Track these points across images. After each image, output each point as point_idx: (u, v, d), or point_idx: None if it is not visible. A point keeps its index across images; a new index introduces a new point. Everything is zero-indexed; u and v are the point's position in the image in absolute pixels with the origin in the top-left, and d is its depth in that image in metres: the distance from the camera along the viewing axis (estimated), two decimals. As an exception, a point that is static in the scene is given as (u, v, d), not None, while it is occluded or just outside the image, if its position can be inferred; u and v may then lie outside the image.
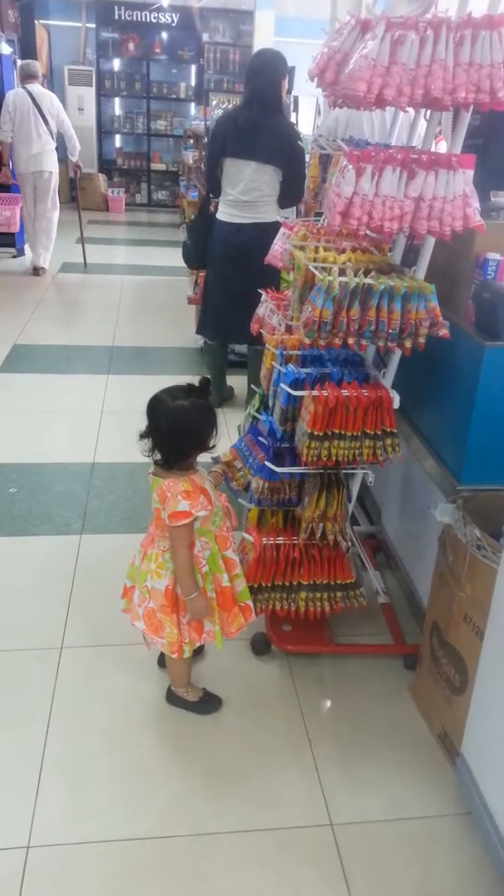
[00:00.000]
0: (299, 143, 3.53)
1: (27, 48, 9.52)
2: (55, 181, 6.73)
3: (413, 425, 2.25)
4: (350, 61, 1.65)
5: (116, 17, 10.31)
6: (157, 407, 1.77)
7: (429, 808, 1.81)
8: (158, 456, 1.80)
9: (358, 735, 2.01)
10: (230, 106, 4.79)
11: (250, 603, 1.98)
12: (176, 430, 1.75)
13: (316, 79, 1.85)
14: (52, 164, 6.57)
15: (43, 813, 1.73)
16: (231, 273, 3.69)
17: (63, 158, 6.94)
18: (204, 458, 1.85)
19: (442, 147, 2.46)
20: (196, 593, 1.81)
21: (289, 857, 1.66)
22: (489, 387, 1.85)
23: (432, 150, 2.01)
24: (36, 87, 6.39)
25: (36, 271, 6.78)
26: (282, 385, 1.93)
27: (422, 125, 2.27)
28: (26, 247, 7.50)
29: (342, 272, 1.80)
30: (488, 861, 1.63)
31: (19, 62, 6.90)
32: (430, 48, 1.55)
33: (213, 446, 1.82)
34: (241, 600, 1.95)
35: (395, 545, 2.64)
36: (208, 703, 2.04)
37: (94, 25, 10.42)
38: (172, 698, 2.04)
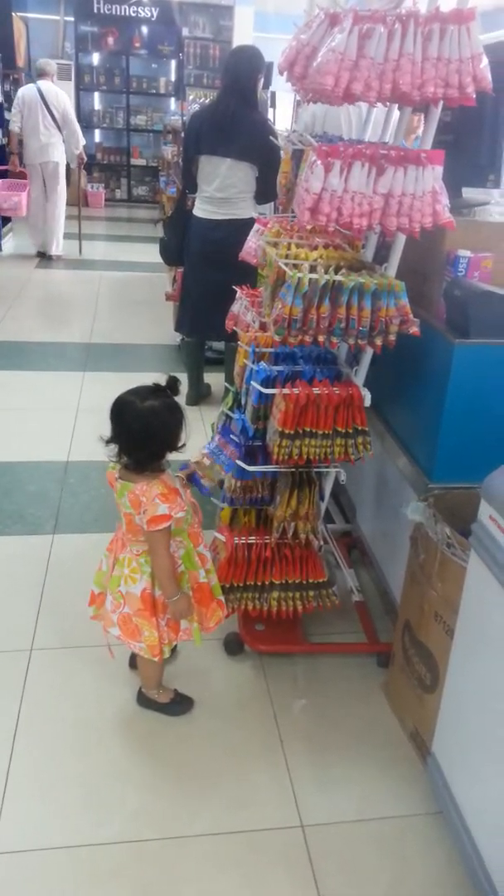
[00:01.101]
0: (273, 138, 3.50)
1: (4, 41, 9.39)
2: (62, 171, 7.14)
3: (386, 423, 2.24)
4: (318, 55, 1.63)
5: (95, 10, 10.20)
6: (126, 409, 1.71)
7: (401, 807, 1.80)
8: (126, 460, 1.75)
9: (330, 734, 2.00)
10: (207, 101, 4.75)
11: (223, 599, 1.97)
12: (149, 432, 1.71)
13: (285, 73, 1.83)
14: (58, 155, 7.00)
15: (10, 818, 1.70)
16: (208, 269, 3.66)
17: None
18: (176, 457, 1.83)
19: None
20: (179, 595, 1.80)
21: (259, 859, 1.65)
22: (460, 384, 1.84)
23: (404, 145, 2.00)
24: (45, 84, 6.84)
25: (43, 256, 7.27)
26: (252, 383, 1.91)
27: (394, 120, 2.25)
28: (3, 242, 7.43)
29: (313, 269, 1.78)
30: (459, 859, 1.63)
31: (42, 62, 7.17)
32: (398, 42, 1.54)
33: (184, 445, 1.79)
34: (216, 594, 1.95)
35: (370, 543, 2.63)
36: (179, 704, 2.02)
37: (72, 19, 10.31)
38: (143, 700, 2.02)
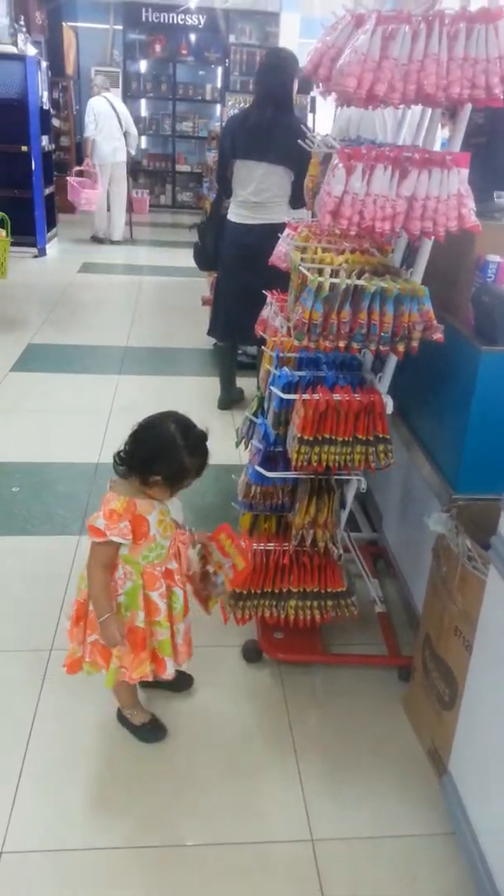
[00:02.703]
0: (303, 142, 3.49)
1: (54, 50, 9.59)
2: (125, 169, 8.36)
3: (413, 431, 2.20)
4: (342, 57, 1.60)
5: (144, 18, 10.33)
6: (155, 422, 1.71)
7: (415, 826, 1.75)
8: (122, 466, 1.72)
9: (346, 748, 1.96)
10: (245, 106, 4.75)
11: (168, 661, 1.81)
12: (153, 448, 1.67)
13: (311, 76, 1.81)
14: (124, 155, 8.25)
15: (20, 817, 1.70)
16: (241, 274, 3.66)
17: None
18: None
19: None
20: (107, 615, 1.68)
21: (265, 871, 1.62)
22: (486, 392, 1.79)
23: (437, 146, 1.96)
24: (110, 95, 8.11)
25: (101, 241, 8.44)
26: (273, 388, 1.89)
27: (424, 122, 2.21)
28: (48, 247, 7.58)
29: (335, 273, 1.76)
30: (472, 882, 1.57)
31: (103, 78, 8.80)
32: (422, 42, 1.50)
33: (183, 486, 1.73)
34: (161, 652, 1.81)
35: (395, 553, 2.58)
36: (150, 732, 1.93)
37: (121, 27, 10.46)
38: (120, 717, 1.97)
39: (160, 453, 1.67)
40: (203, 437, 1.73)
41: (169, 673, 1.83)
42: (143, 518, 1.70)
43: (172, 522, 1.81)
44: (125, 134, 8.09)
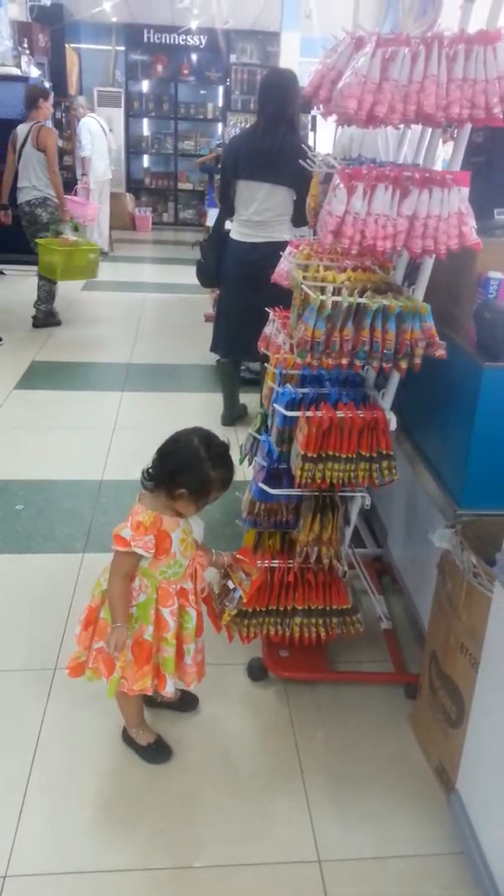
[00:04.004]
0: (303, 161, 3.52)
1: (57, 71, 9.70)
2: (109, 186, 8.81)
3: (417, 447, 2.20)
4: (343, 79, 1.62)
5: (145, 39, 10.49)
6: (182, 437, 1.76)
7: (422, 846, 1.74)
8: (150, 482, 1.76)
9: (353, 767, 1.95)
10: (246, 125, 4.80)
11: (169, 677, 1.82)
12: (180, 456, 1.72)
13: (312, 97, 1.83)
14: (111, 173, 8.64)
15: (23, 841, 1.69)
16: (244, 291, 3.67)
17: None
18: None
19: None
20: (120, 624, 1.71)
21: (272, 893, 1.60)
22: (489, 408, 1.79)
23: (438, 165, 1.98)
24: (96, 115, 8.35)
25: (105, 255, 8.11)
26: (276, 405, 1.90)
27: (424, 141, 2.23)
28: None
29: (337, 291, 1.77)
30: (481, 905, 1.56)
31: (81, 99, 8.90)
32: (422, 64, 1.52)
33: (199, 509, 1.76)
34: (164, 668, 1.81)
35: (400, 569, 2.58)
36: (155, 754, 1.92)
37: (123, 48, 10.60)
38: (125, 737, 1.96)
39: (184, 466, 1.70)
40: (225, 448, 1.77)
41: (168, 690, 1.83)
42: (166, 534, 1.73)
43: (193, 542, 1.82)
44: (109, 150, 8.49)
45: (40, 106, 5.54)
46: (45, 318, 5.80)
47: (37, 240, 5.56)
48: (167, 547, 1.73)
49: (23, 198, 5.60)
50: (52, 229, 5.60)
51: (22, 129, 5.54)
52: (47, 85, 7.70)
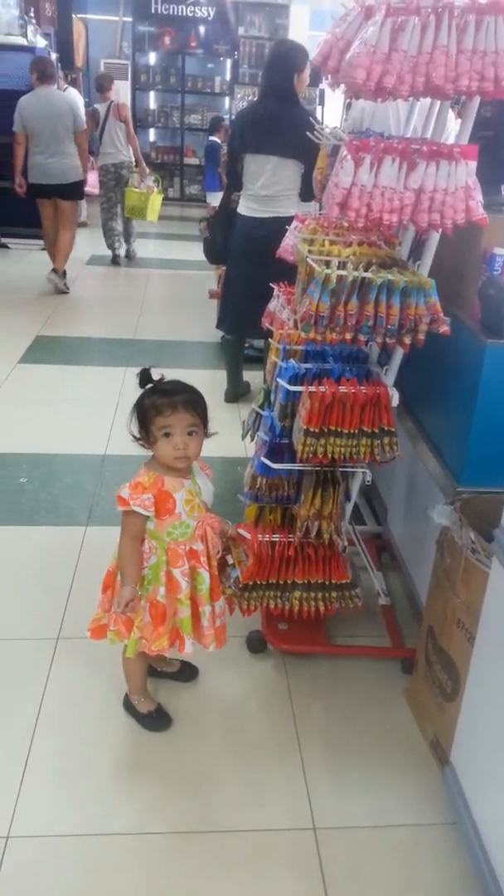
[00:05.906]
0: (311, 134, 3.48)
1: (63, 42, 9.58)
2: None
3: (418, 423, 2.20)
4: (351, 49, 1.60)
5: (153, 10, 10.32)
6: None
7: (416, 816, 1.77)
8: None
9: (350, 738, 1.97)
10: (253, 98, 4.74)
11: (188, 639, 1.84)
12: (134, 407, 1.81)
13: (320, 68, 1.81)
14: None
15: (25, 803, 1.72)
16: (251, 267, 3.65)
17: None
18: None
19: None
20: (127, 586, 1.74)
21: (267, 859, 1.63)
22: (491, 385, 1.79)
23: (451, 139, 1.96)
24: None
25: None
26: (278, 380, 1.90)
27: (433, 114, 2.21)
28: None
29: (342, 265, 1.76)
30: (473, 873, 1.58)
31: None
32: (431, 34, 1.50)
33: (176, 448, 1.75)
34: (182, 630, 1.83)
35: (399, 546, 2.59)
36: (155, 721, 1.95)
37: (130, 19, 10.45)
38: (126, 704, 1.99)
39: (133, 409, 1.80)
40: (157, 378, 1.80)
41: (188, 652, 1.86)
42: (168, 494, 1.75)
43: (202, 505, 1.84)
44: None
45: (110, 88, 6.94)
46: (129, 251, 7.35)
47: (126, 189, 6.91)
48: (170, 507, 1.76)
49: (109, 161, 6.91)
50: (130, 183, 6.97)
51: (101, 108, 6.83)
52: (53, 56, 7.59)
